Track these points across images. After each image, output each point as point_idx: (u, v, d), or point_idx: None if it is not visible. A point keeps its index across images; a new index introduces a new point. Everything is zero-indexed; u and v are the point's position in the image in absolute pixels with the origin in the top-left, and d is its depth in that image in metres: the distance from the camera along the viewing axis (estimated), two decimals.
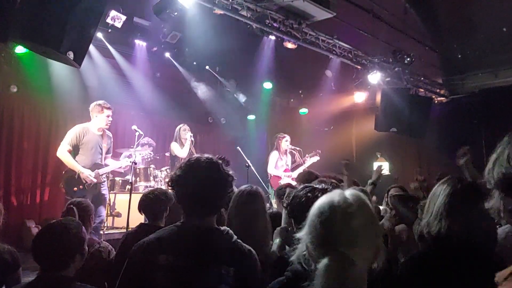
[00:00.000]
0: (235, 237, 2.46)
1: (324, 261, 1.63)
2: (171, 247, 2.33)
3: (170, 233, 2.41)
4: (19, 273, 3.33)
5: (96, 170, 7.04)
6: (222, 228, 2.47)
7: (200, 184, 2.40)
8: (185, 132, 8.84)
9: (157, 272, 2.26)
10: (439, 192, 2.48)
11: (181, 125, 9.04)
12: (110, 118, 7.26)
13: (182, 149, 8.71)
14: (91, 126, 7.19)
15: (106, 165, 7.41)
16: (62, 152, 6.96)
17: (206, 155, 2.54)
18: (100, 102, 7.22)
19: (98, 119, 7.17)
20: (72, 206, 3.92)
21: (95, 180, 6.96)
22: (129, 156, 8.05)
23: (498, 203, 1.51)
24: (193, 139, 8.90)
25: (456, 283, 2.24)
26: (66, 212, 3.81)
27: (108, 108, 7.18)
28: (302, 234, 1.83)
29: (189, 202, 2.44)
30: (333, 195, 1.79)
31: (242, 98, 12.57)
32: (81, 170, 6.88)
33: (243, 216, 3.36)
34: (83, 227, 2.94)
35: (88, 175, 6.89)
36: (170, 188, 2.53)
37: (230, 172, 2.54)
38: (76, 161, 6.94)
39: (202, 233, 2.38)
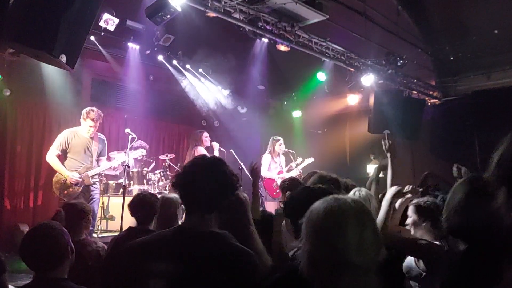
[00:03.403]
0: (231, 239, 2.36)
1: (345, 281, 1.61)
2: (160, 252, 2.26)
3: (161, 237, 2.38)
4: (4, 277, 3.31)
5: (85, 172, 7.04)
6: (218, 231, 2.38)
7: (203, 182, 2.34)
8: (207, 139, 8.94)
9: (145, 279, 2.20)
10: (458, 189, 2.53)
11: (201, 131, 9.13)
12: (92, 129, 7.20)
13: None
14: (80, 130, 7.22)
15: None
16: (51, 157, 7.07)
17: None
18: (87, 109, 7.20)
19: (84, 125, 7.17)
20: (60, 209, 3.89)
21: (79, 180, 6.96)
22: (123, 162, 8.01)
23: (503, 200, 1.51)
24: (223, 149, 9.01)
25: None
26: (55, 215, 3.81)
27: (92, 119, 7.13)
28: (302, 242, 1.77)
29: (191, 201, 2.38)
30: (334, 201, 1.76)
31: (241, 109, 12.68)
32: (67, 174, 6.93)
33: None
34: (64, 228, 2.95)
35: (72, 176, 6.91)
36: (173, 188, 2.46)
37: (235, 173, 2.50)
38: (65, 165, 7.01)
39: (194, 237, 2.29)
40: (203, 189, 2.33)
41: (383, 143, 4.45)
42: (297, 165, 9.47)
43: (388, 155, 4.38)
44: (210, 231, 2.34)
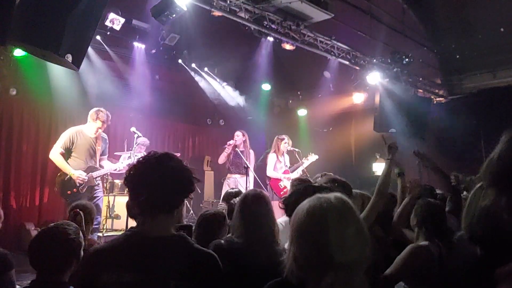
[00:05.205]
0: (192, 243, 2.24)
1: (327, 281, 1.56)
2: (117, 261, 2.10)
3: (116, 244, 2.20)
4: (11, 275, 3.29)
5: (90, 173, 7.01)
6: (176, 233, 2.23)
7: (152, 180, 2.16)
8: (237, 137, 9.35)
9: None
10: (478, 194, 2.38)
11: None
12: (100, 130, 7.16)
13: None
14: (85, 129, 7.14)
15: (102, 167, 7.38)
16: (55, 154, 6.91)
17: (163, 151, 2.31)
18: (96, 110, 7.13)
19: (91, 125, 7.13)
20: (78, 210, 3.82)
21: (86, 179, 6.92)
22: (128, 158, 7.99)
23: (494, 201, 1.50)
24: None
25: None
26: (73, 217, 3.74)
27: (103, 121, 7.08)
28: (289, 244, 1.73)
29: (143, 203, 2.18)
30: (317, 200, 1.71)
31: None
32: (72, 172, 6.83)
33: (248, 219, 3.33)
34: (81, 232, 2.92)
35: (79, 175, 6.84)
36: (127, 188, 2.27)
37: (188, 167, 2.32)
38: (69, 164, 6.91)
39: (152, 242, 2.14)
40: (155, 188, 2.16)
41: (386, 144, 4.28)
42: (302, 163, 9.47)
43: (389, 155, 4.11)
44: (167, 235, 2.20)
